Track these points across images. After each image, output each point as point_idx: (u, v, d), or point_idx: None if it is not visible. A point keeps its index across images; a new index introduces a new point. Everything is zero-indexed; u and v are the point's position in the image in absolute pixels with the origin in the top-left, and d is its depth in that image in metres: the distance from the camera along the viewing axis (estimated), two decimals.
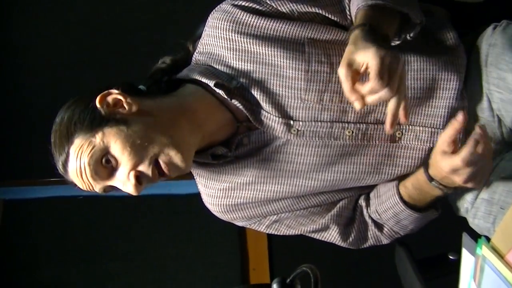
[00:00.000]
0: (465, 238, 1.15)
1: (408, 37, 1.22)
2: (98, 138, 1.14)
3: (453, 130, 1.11)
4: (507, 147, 1.31)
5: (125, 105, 1.17)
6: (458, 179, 1.13)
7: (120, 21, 2.61)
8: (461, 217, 1.36)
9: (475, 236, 1.13)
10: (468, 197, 1.31)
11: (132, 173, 1.14)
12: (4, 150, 2.61)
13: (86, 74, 2.55)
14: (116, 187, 1.19)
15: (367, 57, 1.01)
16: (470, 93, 1.29)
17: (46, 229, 2.63)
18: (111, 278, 2.58)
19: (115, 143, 1.14)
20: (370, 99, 1.02)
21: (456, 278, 1.20)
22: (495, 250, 1.06)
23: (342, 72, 1.02)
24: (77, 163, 1.15)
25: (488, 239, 1.10)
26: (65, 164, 1.17)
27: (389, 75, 1.00)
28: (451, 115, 1.25)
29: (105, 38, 2.59)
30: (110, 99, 1.18)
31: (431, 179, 1.21)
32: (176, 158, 1.16)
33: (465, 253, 1.15)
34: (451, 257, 1.48)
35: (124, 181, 1.16)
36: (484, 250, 1.07)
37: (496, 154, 1.28)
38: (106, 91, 1.18)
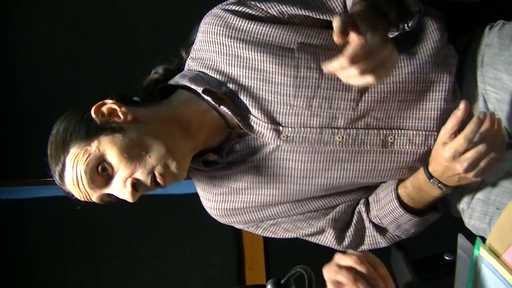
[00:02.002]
0: (461, 239, 1.15)
1: (407, 27, 1.21)
2: (93, 147, 1.15)
3: (455, 119, 1.13)
4: None
5: (120, 114, 1.19)
6: (460, 167, 1.13)
7: (119, 22, 2.60)
8: (457, 218, 1.36)
9: (471, 237, 1.14)
10: (464, 197, 1.31)
11: (129, 181, 1.15)
12: (0, 150, 2.60)
13: (84, 74, 2.55)
14: (113, 196, 1.19)
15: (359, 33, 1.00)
16: (466, 93, 1.28)
17: (41, 229, 2.62)
18: (106, 278, 2.57)
19: (111, 151, 1.15)
20: (341, 75, 1.02)
21: (452, 279, 1.20)
22: (491, 250, 1.06)
23: (338, 22, 0.98)
24: (73, 172, 1.15)
25: (483, 239, 1.10)
26: (61, 174, 1.18)
27: (367, 57, 0.99)
28: (442, 117, 1.25)
29: (104, 38, 2.59)
30: (105, 108, 1.19)
31: (430, 176, 1.21)
32: (172, 166, 1.17)
33: (460, 253, 1.15)
34: (447, 257, 1.48)
35: (120, 188, 1.16)
36: (481, 251, 1.07)
37: None
38: (100, 102, 1.20)
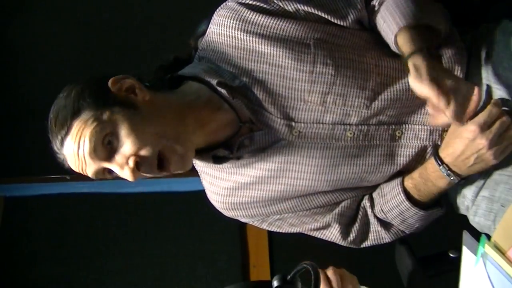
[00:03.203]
0: (466, 236, 1.15)
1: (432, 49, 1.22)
2: (105, 116, 1.13)
3: (472, 104, 1.16)
4: None
5: (137, 91, 1.17)
6: (485, 141, 1.14)
7: (120, 20, 2.61)
8: (461, 215, 1.36)
9: (476, 234, 1.14)
10: (469, 194, 1.31)
11: (133, 158, 1.13)
12: (5, 147, 2.61)
13: (85, 73, 2.55)
14: (110, 174, 1.17)
15: (460, 88, 1.12)
16: None
17: (47, 226, 2.63)
18: (111, 275, 2.58)
19: (122, 123, 1.13)
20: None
21: (457, 276, 1.20)
22: (496, 248, 1.06)
23: (432, 88, 1.10)
24: (77, 137, 1.12)
25: (488, 237, 1.10)
26: (64, 137, 1.14)
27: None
28: None
29: (104, 37, 2.59)
30: (124, 83, 1.17)
31: (440, 163, 1.22)
32: (180, 151, 1.16)
33: (465, 251, 1.15)
34: (451, 254, 1.48)
35: (122, 164, 1.14)
36: (486, 248, 1.07)
37: None
38: (121, 76, 1.18)
